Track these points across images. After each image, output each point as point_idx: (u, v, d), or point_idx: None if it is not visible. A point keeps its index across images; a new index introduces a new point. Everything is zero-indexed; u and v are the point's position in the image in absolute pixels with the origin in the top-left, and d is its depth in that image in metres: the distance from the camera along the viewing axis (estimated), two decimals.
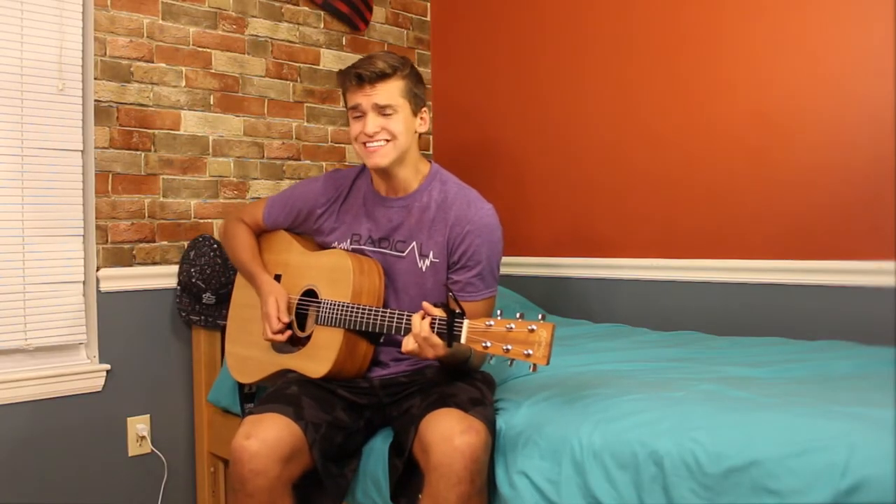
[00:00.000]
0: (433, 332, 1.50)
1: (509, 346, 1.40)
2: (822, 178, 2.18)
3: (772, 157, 2.28)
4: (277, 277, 1.93)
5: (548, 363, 1.38)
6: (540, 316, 1.43)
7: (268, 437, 1.52)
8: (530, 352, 1.38)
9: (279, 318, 1.80)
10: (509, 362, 1.43)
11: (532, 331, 1.39)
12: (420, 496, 1.49)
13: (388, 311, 1.63)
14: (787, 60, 2.25)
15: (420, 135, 1.80)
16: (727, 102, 2.38)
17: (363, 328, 1.66)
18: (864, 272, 2.09)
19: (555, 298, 2.81)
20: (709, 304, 2.42)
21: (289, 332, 1.81)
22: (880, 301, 2.04)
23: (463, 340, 1.45)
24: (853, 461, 1.17)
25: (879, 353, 1.86)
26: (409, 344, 1.53)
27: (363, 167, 1.90)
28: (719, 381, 1.64)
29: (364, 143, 1.72)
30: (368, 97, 1.69)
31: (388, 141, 1.71)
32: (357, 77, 1.69)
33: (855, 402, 1.38)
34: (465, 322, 1.46)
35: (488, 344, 1.42)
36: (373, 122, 1.69)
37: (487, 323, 1.43)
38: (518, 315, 1.44)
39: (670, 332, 2.38)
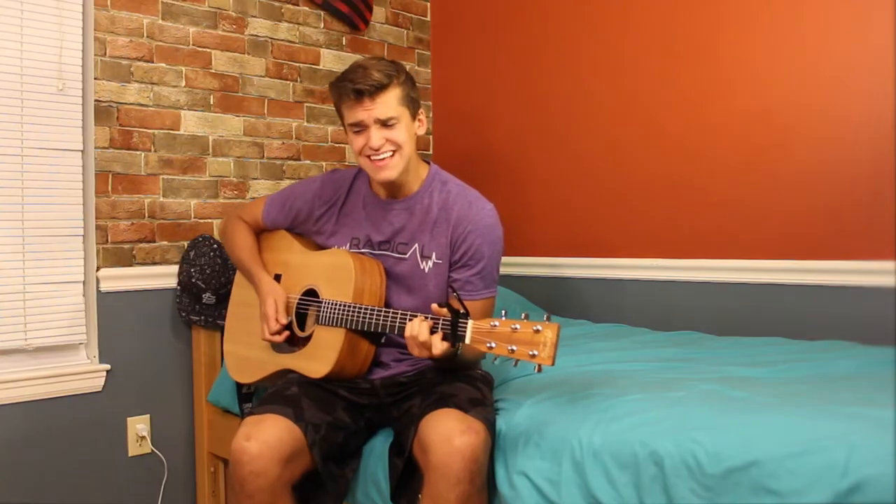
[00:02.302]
0: (438, 332, 1.50)
1: (514, 347, 1.40)
2: (822, 178, 2.18)
3: (772, 156, 2.28)
4: (278, 277, 1.92)
5: (553, 364, 1.38)
6: (545, 316, 1.43)
7: (268, 438, 1.52)
8: (536, 352, 1.38)
9: (277, 320, 1.79)
10: (514, 363, 1.42)
11: (537, 331, 1.39)
12: (420, 496, 1.49)
13: (391, 310, 1.63)
14: (787, 60, 2.25)
15: (418, 137, 1.78)
16: (727, 102, 2.38)
17: (365, 328, 1.66)
18: (864, 272, 2.09)
19: (555, 298, 2.81)
20: (709, 304, 2.42)
21: (287, 333, 1.81)
22: (880, 301, 2.04)
23: (467, 341, 1.45)
24: (853, 461, 1.17)
25: (879, 353, 1.86)
26: (409, 338, 1.54)
27: (360, 168, 1.89)
28: (719, 381, 1.64)
29: (369, 157, 1.69)
30: (369, 112, 1.66)
31: (394, 152, 1.68)
32: (356, 92, 1.64)
33: (855, 402, 1.38)
34: (470, 322, 1.46)
35: (493, 345, 1.42)
36: (377, 136, 1.66)
37: (492, 324, 1.43)
38: (523, 315, 1.44)
39: (670, 332, 2.38)
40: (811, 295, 2.20)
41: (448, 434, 1.45)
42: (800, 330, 2.16)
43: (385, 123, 1.67)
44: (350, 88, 1.65)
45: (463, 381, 1.66)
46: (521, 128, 2.95)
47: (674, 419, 1.41)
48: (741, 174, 2.35)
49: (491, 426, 1.55)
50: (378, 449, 1.70)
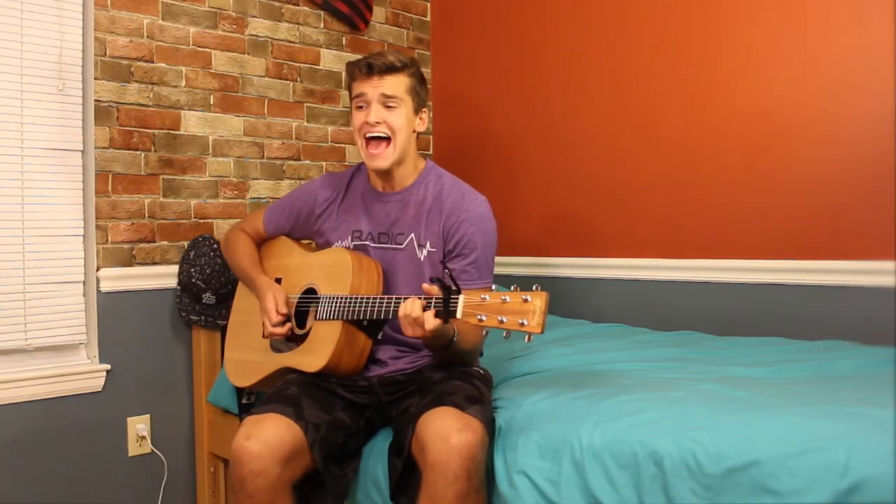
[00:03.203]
0: (430, 309, 1.50)
1: (504, 318, 1.40)
2: (823, 178, 2.18)
3: (772, 156, 2.28)
4: (278, 280, 1.94)
5: (542, 332, 1.37)
6: (535, 286, 1.43)
7: (268, 437, 1.52)
8: (525, 321, 1.38)
9: (278, 311, 1.80)
10: (505, 334, 1.42)
11: (526, 301, 1.39)
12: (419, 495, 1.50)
13: (385, 296, 1.64)
14: (788, 60, 2.25)
15: (418, 134, 1.84)
16: (727, 101, 2.37)
17: (361, 316, 1.66)
18: (864, 272, 2.09)
19: (553, 298, 2.76)
20: (709, 304, 2.42)
21: (289, 326, 1.82)
22: (880, 301, 2.04)
23: (459, 315, 1.45)
24: (853, 461, 1.17)
25: (879, 353, 1.86)
26: (402, 315, 1.54)
27: (359, 165, 1.93)
28: (719, 381, 1.64)
29: (365, 136, 1.75)
30: (375, 88, 1.73)
31: (388, 139, 1.74)
32: (367, 67, 1.73)
33: (855, 402, 1.38)
34: (461, 297, 1.46)
35: (483, 317, 1.42)
36: (376, 112, 1.73)
37: (483, 297, 1.43)
38: (512, 287, 1.44)
39: (670, 332, 2.38)
40: (811, 295, 2.20)
41: (445, 432, 1.45)
42: (800, 330, 2.16)
43: (387, 103, 1.74)
44: (363, 63, 1.75)
45: (461, 379, 1.66)
46: (521, 128, 2.95)
47: (674, 419, 1.41)
48: (741, 174, 2.35)
49: (489, 424, 1.55)
50: (378, 449, 1.70)
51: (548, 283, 2.83)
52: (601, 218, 2.71)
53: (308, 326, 1.80)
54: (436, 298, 1.49)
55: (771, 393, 1.52)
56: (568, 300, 2.78)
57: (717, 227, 2.41)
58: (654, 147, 2.56)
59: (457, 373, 1.70)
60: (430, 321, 1.49)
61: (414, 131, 1.81)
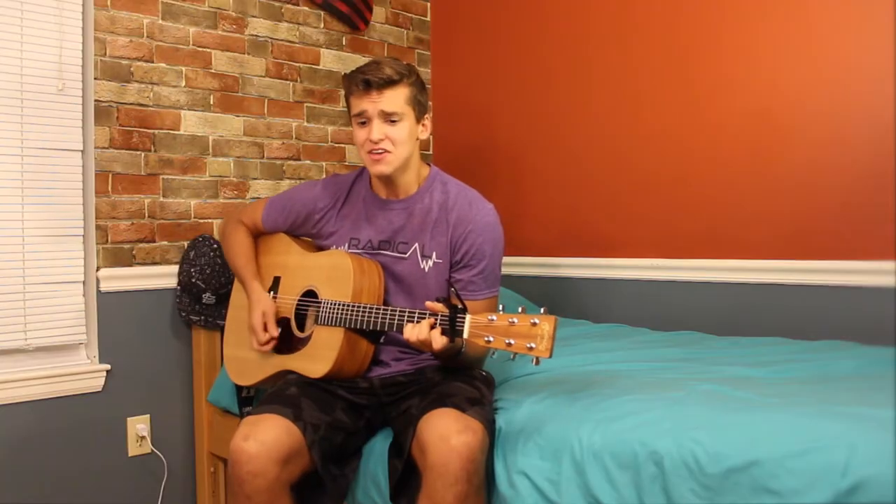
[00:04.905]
0: (437, 327, 1.50)
1: (512, 341, 1.40)
2: (823, 178, 2.18)
3: (772, 156, 2.28)
4: (277, 279, 1.93)
5: (550, 356, 1.38)
6: (542, 309, 1.43)
7: (266, 438, 1.52)
8: (533, 345, 1.38)
9: (266, 330, 1.81)
10: (512, 356, 1.42)
11: (535, 324, 1.39)
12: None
13: (389, 308, 1.63)
14: (788, 60, 2.25)
15: (421, 140, 1.80)
16: (727, 102, 2.37)
17: (363, 326, 1.66)
18: (864, 272, 2.09)
19: (554, 298, 2.81)
20: (709, 304, 2.42)
21: (274, 343, 1.83)
22: (880, 301, 2.04)
23: (465, 335, 1.45)
24: (853, 461, 1.17)
25: (879, 353, 1.86)
26: (410, 335, 1.55)
27: (361, 170, 1.91)
28: (719, 381, 1.64)
29: (369, 151, 1.72)
30: (375, 104, 1.69)
31: (391, 150, 1.70)
32: (364, 83, 1.68)
33: (855, 402, 1.38)
34: (468, 317, 1.46)
35: (491, 339, 1.42)
36: (378, 130, 1.69)
37: (490, 317, 1.43)
38: (520, 309, 1.44)
39: (670, 332, 2.38)
40: (811, 295, 2.20)
41: (445, 433, 1.45)
42: (800, 330, 2.16)
43: (388, 118, 1.69)
44: (360, 79, 1.69)
45: (462, 380, 1.66)
46: (521, 127, 2.95)
47: (674, 419, 1.41)
48: (741, 174, 2.35)
49: (489, 426, 1.55)
50: (378, 449, 1.70)
51: (548, 283, 2.84)
52: (601, 217, 2.71)
53: (309, 331, 1.80)
54: (441, 316, 1.49)
55: (771, 393, 1.52)
56: (568, 300, 2.78)
57: (717, 226, 2.41)
58: (654, 147, 2.56)
59: (458, 374, 1.70)
60: (438, 340, 1.50)
61: (417, 139, 1.76)
